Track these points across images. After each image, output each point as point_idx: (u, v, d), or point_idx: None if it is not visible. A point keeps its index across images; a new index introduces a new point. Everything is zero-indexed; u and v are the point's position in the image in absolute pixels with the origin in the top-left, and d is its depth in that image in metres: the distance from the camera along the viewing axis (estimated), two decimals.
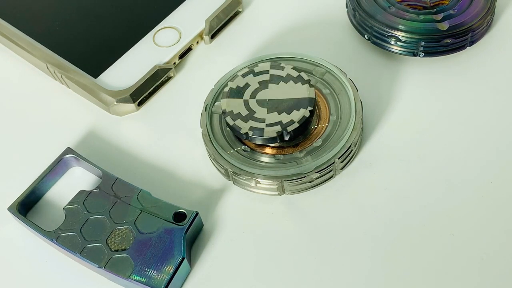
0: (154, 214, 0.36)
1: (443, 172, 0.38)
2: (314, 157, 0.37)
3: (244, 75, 0.38)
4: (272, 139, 0.36)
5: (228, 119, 0.37)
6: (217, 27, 0.45)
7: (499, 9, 0.44)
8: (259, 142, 0.37)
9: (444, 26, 0.41)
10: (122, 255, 0.35)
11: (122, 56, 0.43)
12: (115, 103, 0.41)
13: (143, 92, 0.42)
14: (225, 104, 0.37)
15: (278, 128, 0.36)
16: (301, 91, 0.37)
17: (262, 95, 0.37)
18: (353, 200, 0.37)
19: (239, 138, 0.38)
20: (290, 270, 0.36)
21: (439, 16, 0.41)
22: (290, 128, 0.36)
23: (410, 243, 0.36)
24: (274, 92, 0.37)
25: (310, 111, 0.36)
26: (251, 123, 0.36)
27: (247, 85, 0.38)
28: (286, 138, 0.36)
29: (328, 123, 0.38)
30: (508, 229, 0.36)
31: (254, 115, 0.37)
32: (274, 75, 0.38)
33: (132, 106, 0.42)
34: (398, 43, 0.41)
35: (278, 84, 0.38)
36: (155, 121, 0.42)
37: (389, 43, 0.42)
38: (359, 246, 0.36)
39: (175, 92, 0.43)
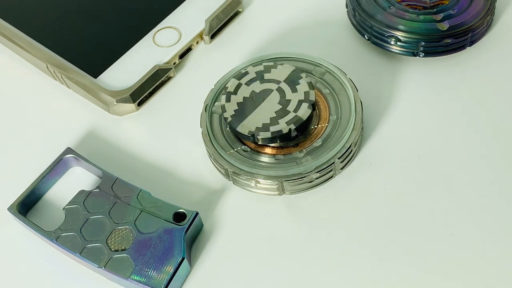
0: (154, 214, 0.36)
1: (443, 172, 0.38)
2: (314, 157, 0.37)
3: (265, 68, 0.38)
4: (271, 139, 0.36)
5: (223, 97, 0.37)
6: (217, 27, 0.45)
7: (499, 9, 0.44)
8: (263, 142, 0.37)
9: (444, 26, 0.41)
10: (122, 255, 0.35)
11: (122, 56, 0.43)
12: (115, 103, 0.42)
13: (143, 92, 0.42)
14: (231, 83, 0.37)
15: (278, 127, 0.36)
16: (302, 94, 0.37)
17: (265, 92, 0.37)
18: (353, 200, 0.37)
19: (239, 138, 0.38)
20: (290, 270, 0.36)
21: (439, 16, 0.41)
22: (295, 125, 0.36)
23: (410, 243, 0.36)
24: (275, 92, 0.37)
25: (311, 105, 0.36)
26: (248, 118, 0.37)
27: (256, 78, 0.38)
28: (293, 134, 0.36)
29: (328, 123, 0.38)
30: (508, 229, 0.36)
31: (247, 104, 0.37)
32: (285, 77, 0.38)
33: (132, 106, 0.42)
34: (398, 43, 0.41)
35: (279, 84, 0.38)
36: (155, 121, 0.42)
37: (389, 43, 0.42)
38: (359, 246, 0.36)
39: (175, 92, 0.43)
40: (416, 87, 0.42)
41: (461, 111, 0.40)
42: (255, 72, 0.38)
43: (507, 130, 0.39)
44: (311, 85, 0.37)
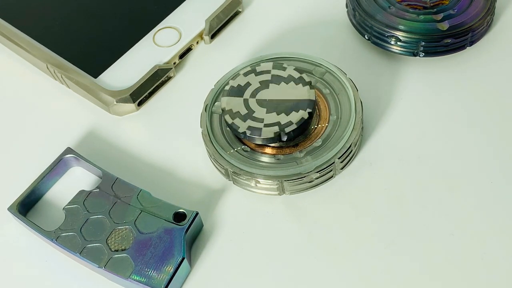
0: (154, 214, 0.36)
1: (443, 172, 0.38)
2: (314, 157, 0.37)
3: (245, 74, 0.38)
4: (270, 140, 0.36)
5: (227, 117, 0.37)
6: (217, 27, 0.45)
7: (499, 9, 0.44)
8: (257, 142, 0.37)
9: (444, 26, 0.41)
10: (122, 255, 0.35)
11: (122, 56, 0.43)
12: (115, 103, 0.42)
13: (143, 92, 0.42)
14: (225, 102, 0.37)
15: (276, 128, 0.36)
16: (302, 93, 0.37)
17: (262, 94, 0.37)
18: (353, 200, 0.37)
19: (239, 138, 0.38)
20: (290, 270, 0.36)
21: (439, 16, 0.41)
22: (288, 129, 0.36)
23: (410, 243, 0.36)
24: (275, 92, 0.37)
25: (309, 113, 0.36)
26: (250, 122, 0.36)
27: (248, 84, 0.38)
28: (284, 139, 0.36)
29: (328, 123, 0.38)
30: (508, 229, 0.36)
31: (253, 115, 0.37)
32: (275, 75, 0.38)
33: (132, 106, 0.42)
34: (398, 43, 0.41)
35: (279, 84, 0.38)
36: (155, 121, 0.42)
37: (389, 43, 0.42)
38: (359, 246, 0.36)
39: (175, 92, 0.43)
40: (416, 87, 0.42)
41: (461, 111, 0.40)
42: (254, 73, 0.38)
43: (507, 130, 0.39)
44: (310, 83, 0.37)
